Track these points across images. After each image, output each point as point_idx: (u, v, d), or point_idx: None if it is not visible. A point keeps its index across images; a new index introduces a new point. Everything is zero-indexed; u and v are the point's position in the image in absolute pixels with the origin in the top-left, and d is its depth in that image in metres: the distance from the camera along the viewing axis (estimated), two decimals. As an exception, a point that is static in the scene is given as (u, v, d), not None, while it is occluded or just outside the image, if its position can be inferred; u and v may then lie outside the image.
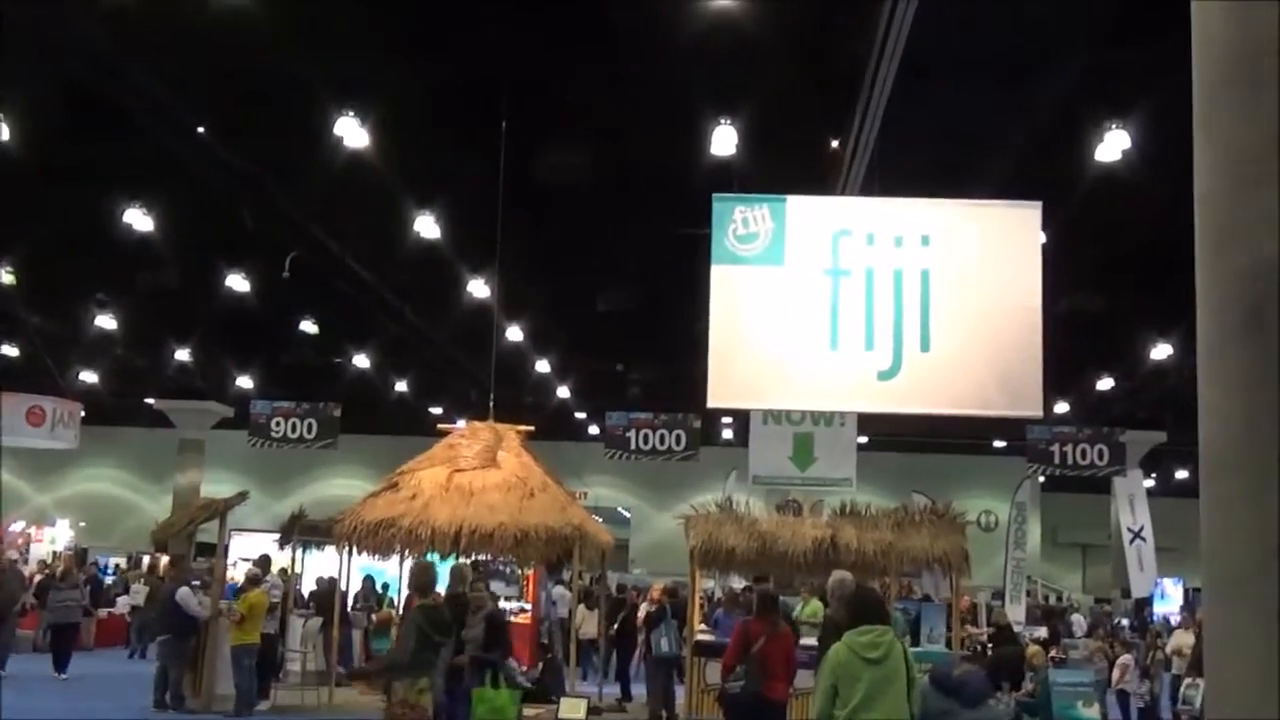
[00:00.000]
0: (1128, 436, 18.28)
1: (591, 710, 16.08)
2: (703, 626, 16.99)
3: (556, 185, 17.52)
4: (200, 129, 16.55)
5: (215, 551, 18.18)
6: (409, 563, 15.55)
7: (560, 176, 17.32)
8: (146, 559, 31.39)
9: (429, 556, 16.85)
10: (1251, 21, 6.30)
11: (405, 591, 18.50)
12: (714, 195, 14.14)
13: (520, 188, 16.90)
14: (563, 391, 32.38)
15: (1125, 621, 26.31)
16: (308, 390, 26.03)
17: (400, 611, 17.03)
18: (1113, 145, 14.73)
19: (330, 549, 17.42)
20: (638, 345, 27.98)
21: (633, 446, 16.40)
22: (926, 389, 13.76)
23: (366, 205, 19.17)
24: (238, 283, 22.89)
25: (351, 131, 15.59)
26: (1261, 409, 6.39)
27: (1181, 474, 37.31)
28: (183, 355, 30.52)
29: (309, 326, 26.69)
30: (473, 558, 18.39)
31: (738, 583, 20.44)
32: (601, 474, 36.73)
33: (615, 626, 19.78)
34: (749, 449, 18.95)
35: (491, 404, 18.48)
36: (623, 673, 19.53)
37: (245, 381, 33.04)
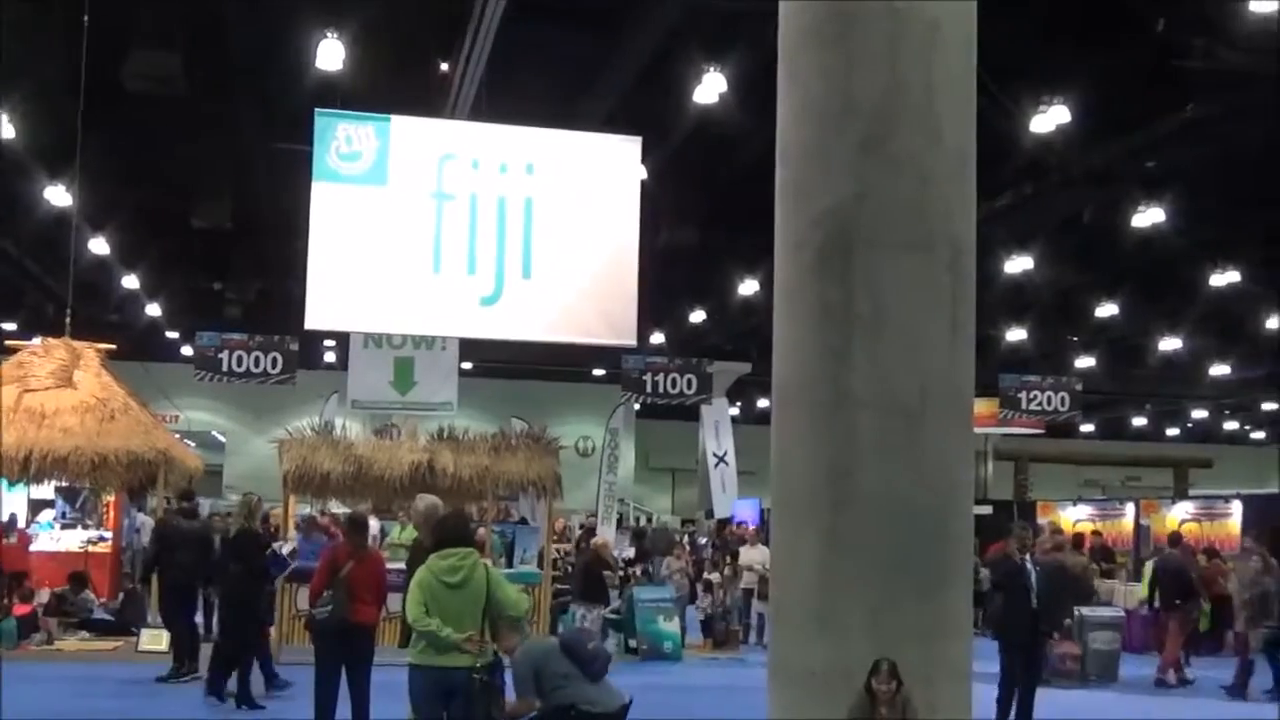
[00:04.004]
0: (715, 367, 19.28)
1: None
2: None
3: (147, 91, 16.38)
4: None
5: None
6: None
7: (151, 82, 16.20)
8: None
9: (-3, 483, 15.73)
10: (828, -23, 6.68)
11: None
12: (316, 110, 13.75)
13: (106, 90, 15.69)
14: (153, 309, 30.61)
15: (705, 540, 27.89)
16: None
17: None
18: (710, 88, 15.31)
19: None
20: (236, 263, 26.90)
21: (225, 368, 15.66)
22: (527, 315, 14.04)
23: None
24: None
25: (-96, 12, 13.92)
26: (827, 346, 6.90)
27: (763, 403, 39.85)
28: None
29: None
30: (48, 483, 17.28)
31: (338, 508, 20.09)
32: (196, 396, 35.19)
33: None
34: (348, 372, 18.64)
35: (69, 320, 17.24)
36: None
37: None
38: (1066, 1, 14.28)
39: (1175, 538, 17.58)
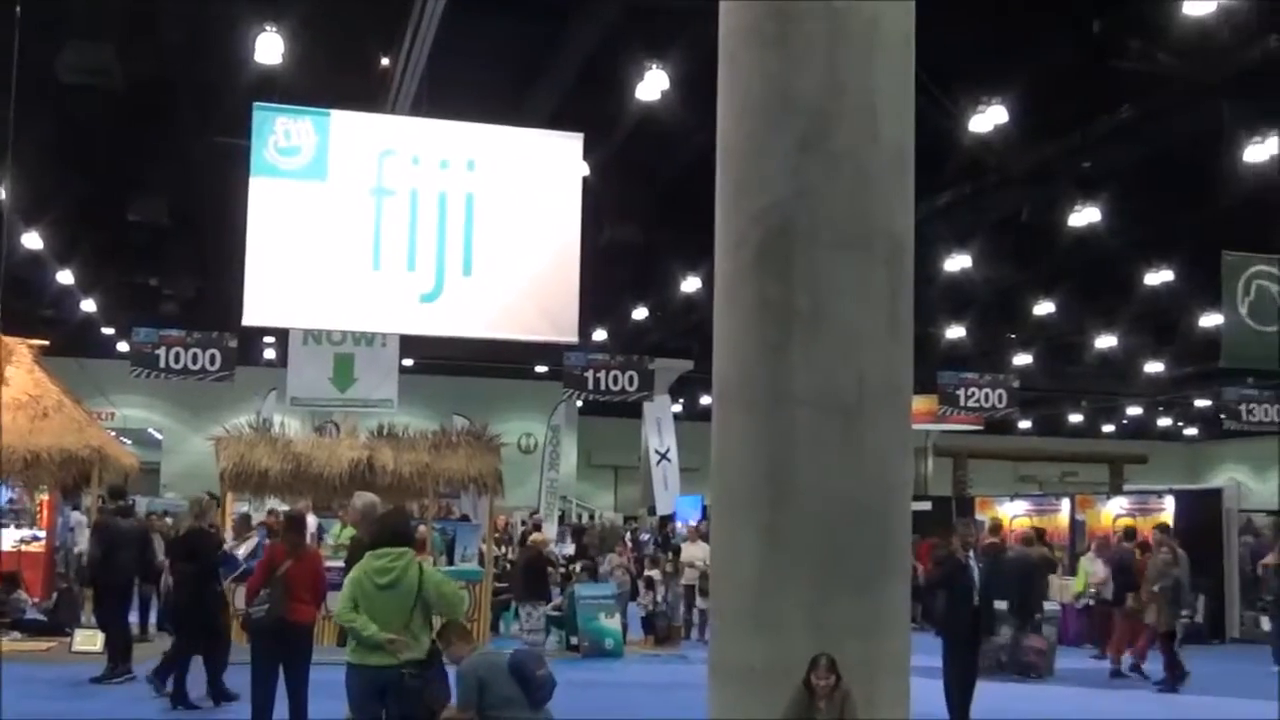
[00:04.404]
0: (657, 364, 19.28)
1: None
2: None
3: (82, 83, 16.12)
4: None
5: None
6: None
7: (86, 74, 15.94)
8: None
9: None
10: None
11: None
12: (255, 104, 13.58)
13: (39, 82, 15.43)
14: (88, 305, 30.15)
15: (647, 536, 27.92)
16: None
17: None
18: (652, 85, 15.32)
19: None
20: (173, 258, 26.54)
21: (162, 365, 15.49)
22: (468, 312, 13.94)
23: None
24: None
25: None
26: (766, 343, 6.92)
27: (705, 399, 39.96)
28: None
29: None
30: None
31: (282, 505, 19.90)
32: (132, 394, 34.67)
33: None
34: (287, 369, 18.48)
35: (-1, 315, 16.96)
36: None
37: None
38: (1004, 2, 14.43)
39: (1130, 532, 17.90)
